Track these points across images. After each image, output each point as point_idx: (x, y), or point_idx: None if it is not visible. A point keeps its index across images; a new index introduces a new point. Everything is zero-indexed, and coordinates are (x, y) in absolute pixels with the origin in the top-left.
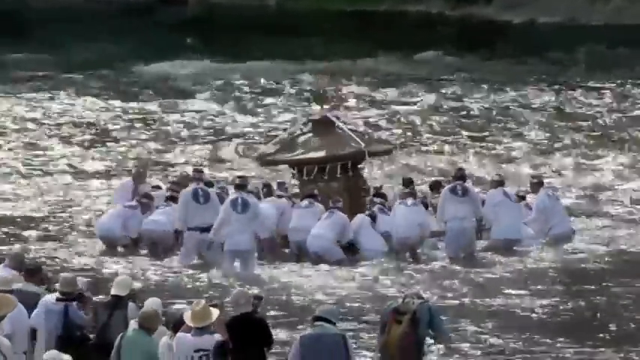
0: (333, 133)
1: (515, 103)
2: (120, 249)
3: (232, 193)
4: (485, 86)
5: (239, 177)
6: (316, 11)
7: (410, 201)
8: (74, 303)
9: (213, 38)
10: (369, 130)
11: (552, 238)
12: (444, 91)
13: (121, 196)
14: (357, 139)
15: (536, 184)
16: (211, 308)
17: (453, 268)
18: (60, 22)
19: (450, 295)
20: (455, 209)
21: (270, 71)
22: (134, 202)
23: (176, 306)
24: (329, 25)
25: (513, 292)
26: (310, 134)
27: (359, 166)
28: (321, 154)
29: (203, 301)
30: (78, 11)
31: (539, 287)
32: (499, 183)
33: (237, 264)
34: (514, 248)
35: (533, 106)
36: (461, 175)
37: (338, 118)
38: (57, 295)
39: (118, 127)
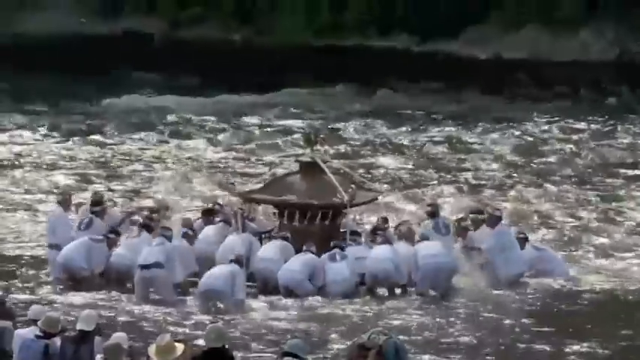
0: (319, 178)
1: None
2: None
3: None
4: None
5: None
6: (281, 46)
7: (380, 239)
8: (54, 339)
9: (179, 73)
10: (355, 179)
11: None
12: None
13: (60, 225)
14: (341, 190)
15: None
16: (176, 343)
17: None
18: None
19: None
20: (433, 246)
21: (235, 105)
22: (100, 236)
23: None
24: (295, 60)
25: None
26: (297, 175)
27: (344, 211)
28: (304, 199)
29: (168, 336)
30: (41, 43)
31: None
32: (499, 218)
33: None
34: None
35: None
36: (434, 212)
37: (325, 162)
38: (37, 332)
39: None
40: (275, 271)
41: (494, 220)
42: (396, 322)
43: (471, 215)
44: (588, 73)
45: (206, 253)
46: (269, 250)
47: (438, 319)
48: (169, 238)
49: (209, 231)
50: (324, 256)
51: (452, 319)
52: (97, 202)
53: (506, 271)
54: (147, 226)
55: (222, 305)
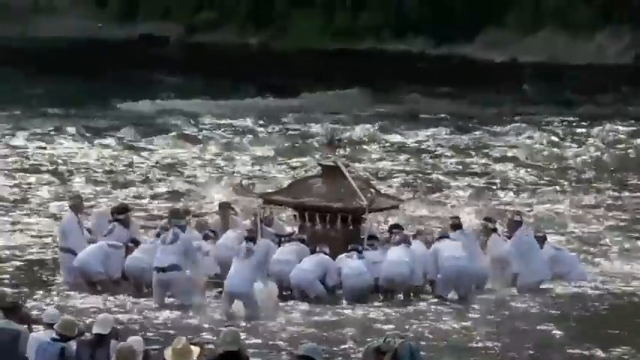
0: (340, 182)
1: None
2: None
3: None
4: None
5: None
6: (297, 50)
7: (397, 237)
8: (70, 342)
9: (196, 77)
10: (375, 185)
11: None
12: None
13: (72, 230)
14: (361, 195)
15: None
16: (192, 346)
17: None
18: (42, 57)
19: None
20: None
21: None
22: (120, 243)
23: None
24: (311, 64)
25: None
26: (318, 179)
27: (362, 216)
28: (323, 202)
29: (184, 339)
30: (59, 47)
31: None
32: (519, 224)
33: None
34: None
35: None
36: (458, 224)
37: (347, 166)
38: (53, 335)
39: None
40: (290, 273)
41: (514, 226)
42: (415, 327)
43: (481, 222)
44: (605, 76)
45: (225, 258)
46: (285, 252)
47: (461, 324)
48: (183, 228)
49: (229, 235)
50: (341, 256)
51: (469, 323)
52: (122, 209)
53: (527, 277)
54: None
55: (244, 308)
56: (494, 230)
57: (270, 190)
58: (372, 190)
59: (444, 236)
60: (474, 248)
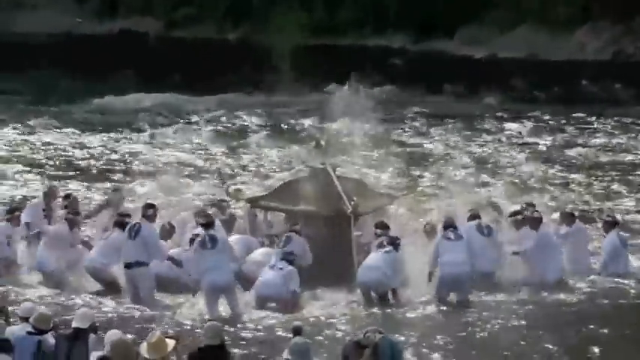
0: (328, 185)
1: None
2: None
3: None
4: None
5: (204, 215)
6: (276, 45)
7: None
8: (47, 335)
9: (176, 72)
10: (369, 185)
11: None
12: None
13: (31, 215)
14: (346, 200)
15: (609, 224)
16: (167, 339)
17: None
18: (20, 54)
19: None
20: (456, 252)
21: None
22: None
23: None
24: (290, 59)
25: None
26: (306, 182)
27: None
28: (308, 207)
29: (158, 333)
30: (36, 42)
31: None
32: (539, 220)
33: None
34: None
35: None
36: (475, 214)
37: (335, 169)
38: (28, 329)
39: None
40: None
41: (535, 222)
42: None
43: (509, 218)
44: (584, 72)
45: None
46: (260, 253)
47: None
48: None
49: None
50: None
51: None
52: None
53: (545, 275)
54: (120, 224)
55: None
56: (523, 221)
57: (258, 194)
58: (365, 191)
59: (448, 225)
60: (492, 244)
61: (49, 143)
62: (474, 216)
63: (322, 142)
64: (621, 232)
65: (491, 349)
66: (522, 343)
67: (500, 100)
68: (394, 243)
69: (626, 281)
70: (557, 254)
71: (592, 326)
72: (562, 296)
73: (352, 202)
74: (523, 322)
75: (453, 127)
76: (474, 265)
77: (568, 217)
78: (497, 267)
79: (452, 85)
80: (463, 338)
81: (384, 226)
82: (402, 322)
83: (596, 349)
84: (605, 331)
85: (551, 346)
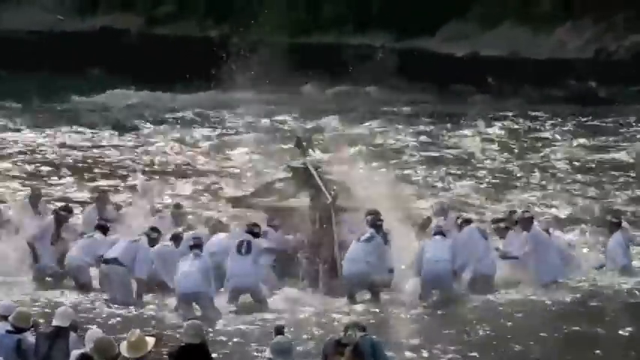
0: (309, 183)
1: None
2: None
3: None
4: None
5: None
6: (258, 43)
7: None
8: (26, 333)
9: (154, 70)
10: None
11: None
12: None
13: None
14: (326, 192)
15: (614, 225)
16: (147, 338)
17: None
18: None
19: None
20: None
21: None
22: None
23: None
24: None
25: None
26: (287, 180)
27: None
28: (291, 203)
29: (137, 331)
30: (17, 40)
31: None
32: (530, 220)
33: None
34: None
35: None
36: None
37: (317, 168)
38: (7, 327)
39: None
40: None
41: (527, 223)
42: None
43: (493, 225)
44: (565, 70)
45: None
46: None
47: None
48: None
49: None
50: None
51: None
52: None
53: (540, 275)
54: (102, 227)
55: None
56: (507, 229)
57: (238, 195)
58: (347, 190)
59: (438, 232)
60: (487, 246)
61: (31, 141)
62: (468, 220)
63: (303, 142)
64: (625, 233)
65: (489, 349)
66: (517, 344)
67: (481, 97)
68: (375, 224)
69: (624, 281)
70: (550, 254)
71: (590, 326)
72: (558, 296)
73: (332, 193)
74: (518, 323)
75: (433, 124)
76: (477, 268)
77: (527, 222)
78: (496, 269)
79: (434, 83)
80: (460, 339)
81: (375, 212)
82: (393, 322)
83: (596, 350)
84: (603, 331)
85: (548, 346)
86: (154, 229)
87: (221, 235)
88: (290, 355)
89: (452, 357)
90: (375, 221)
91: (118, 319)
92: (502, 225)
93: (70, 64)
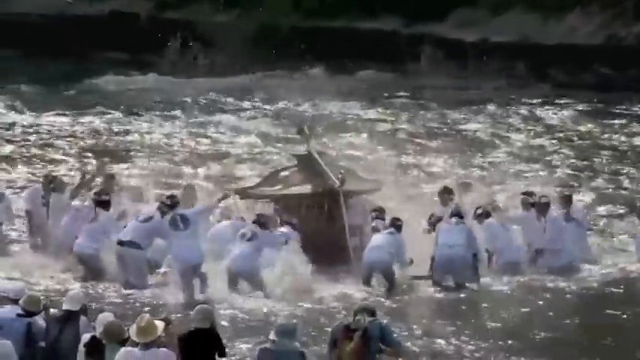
0: (315, 170)
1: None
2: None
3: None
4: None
5: (169, 196)
6: (268, 27)
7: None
8: (37, 317)
9: (166, 54)
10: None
11: None
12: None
13: (31, 201)
14: (332, 176)
15: None
16: (156, 322)
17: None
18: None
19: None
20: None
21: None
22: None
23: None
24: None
25: None
26: (293, 169)
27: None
28: (298, 190)
29: (147, 316)
30: (29, 24)
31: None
32: (547, 205)
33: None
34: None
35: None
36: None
37: (321, 154)
38: (18, 311)
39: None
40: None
41: (543, 208)
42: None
43: (522, 196)
44: (576, 56)
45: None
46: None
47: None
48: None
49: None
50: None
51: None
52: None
53: (553, 260)
54: (103, 203)
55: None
56: (533, 205)
57: (244, 186)
58: (346, 173)
59: (455, 214)
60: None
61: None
62: (487, 213)
63: (306, 129)
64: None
65: (502, 336)
66: (536, 330)
67: (494, 84)
68: (395, 224)
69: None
70: (566, 238)
71: (607, 311)
72: (574, 281)
73: (339, 176)
74: (537, 308)
75: (441, 111)
76: (503, 257)
77: (544, 207)
78: (523, 256)
79: (444, 69)
80: (474, 325)
81: (380, 210)
82: (407, 308)
83: (613, 336)
84: (624, 316)
85: (566, 332)
86: (170, 196)
87: (225, 223)
88: (294, 337)
89: (474, 344)
90: (395, 222)
91: (132, 303)
92: (530, 200)
93: (78, 47)
